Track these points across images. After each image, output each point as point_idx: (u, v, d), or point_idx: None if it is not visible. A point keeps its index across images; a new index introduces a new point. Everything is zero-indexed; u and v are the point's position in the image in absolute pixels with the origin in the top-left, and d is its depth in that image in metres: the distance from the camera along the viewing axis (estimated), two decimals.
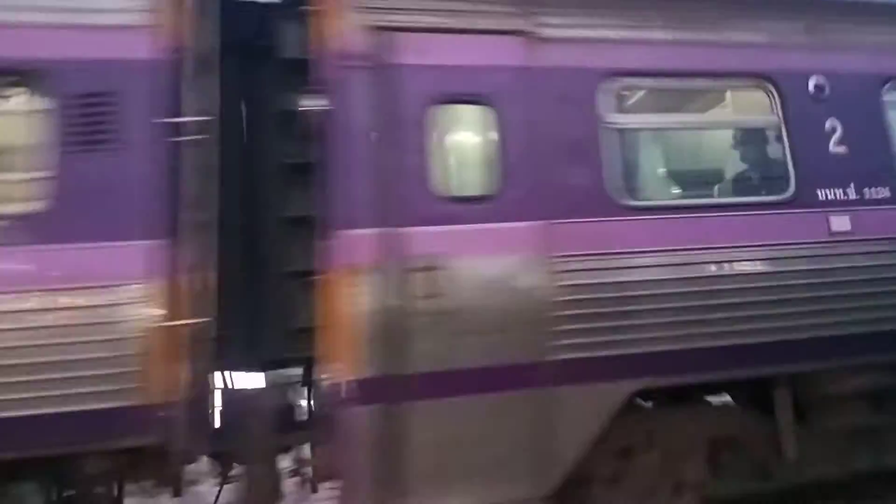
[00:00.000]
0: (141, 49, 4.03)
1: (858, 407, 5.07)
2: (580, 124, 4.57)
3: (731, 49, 4.96)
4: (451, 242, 4.26)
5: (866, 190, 4.95)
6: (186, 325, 3.89)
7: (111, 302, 3.77)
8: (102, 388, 3.74)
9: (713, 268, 4.59)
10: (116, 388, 3.76)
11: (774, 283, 4.66)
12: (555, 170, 4.49)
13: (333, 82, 4.30)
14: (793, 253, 4.72)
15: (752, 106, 5.10)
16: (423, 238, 4.23)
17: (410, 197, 4.26)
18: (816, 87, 5.02)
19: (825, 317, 4.73)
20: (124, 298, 3.79)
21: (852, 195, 4.92)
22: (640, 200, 4.67)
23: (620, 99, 4.79)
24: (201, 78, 4.14)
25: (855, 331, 4.80)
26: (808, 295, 4.70)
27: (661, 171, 5.39)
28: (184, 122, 4.03)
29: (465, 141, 4.51)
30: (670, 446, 4.83)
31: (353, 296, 4.09)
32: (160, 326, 3.82)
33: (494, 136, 4.46)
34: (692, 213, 4.67)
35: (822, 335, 4.74)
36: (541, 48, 4.63)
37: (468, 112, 4.50)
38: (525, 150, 4.47)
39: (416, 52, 4.41)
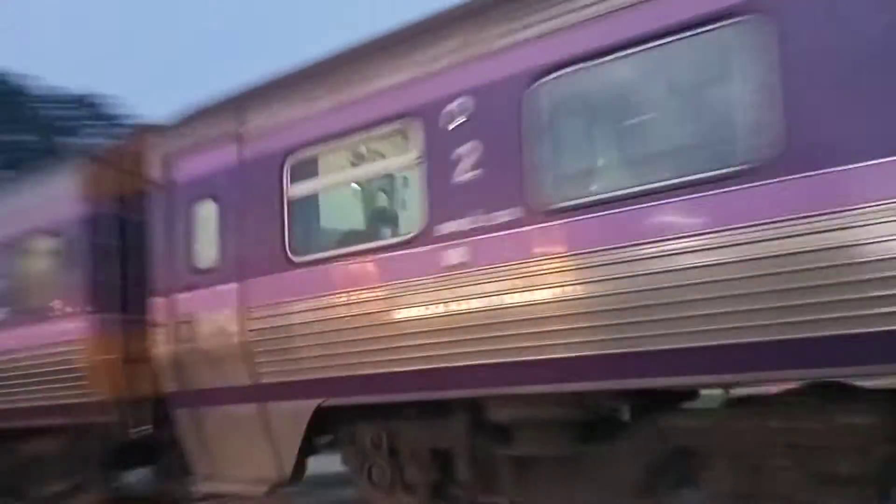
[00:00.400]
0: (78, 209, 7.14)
1: (542, 436, 4.88)
2: (272, 201, 5.79)
3: (379, 96, 5.27)
4: (196, 303, 6.19)
5: (493, 215, 4.70)
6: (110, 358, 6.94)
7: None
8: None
9: (353, 308, 5.30)
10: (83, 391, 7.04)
11: (395, 319, 5.08)
12: (253, 242, 5.89)
13: (148, 198, 6.64)
14: (411, 290, 5.00)
15: (399, 149, 5.29)
16: (184, 301, 6.28)
17: (181, 272, 6.34)
18: (454, 110, 4.91)
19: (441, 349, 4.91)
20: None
21: (478, 223, 4.75)
22: (305, 255, 5.62)
23: (300, 170, 5.72)
24: (109, 220, 7.06)
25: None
26: (421, 330, 4.96)
27: (325, 227, 5.85)
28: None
29: (207, 228, 6.24)
30: (398, 452, 5.66)
31: (155, 340, 6.47)
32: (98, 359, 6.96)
33: (217, 223, 6.12)
34: (336, 261, 5.43)
35: (437, 367, 4.93)
36: (248, 143, 5.99)
37: (206, 207, 6.23)
38: (233, 230, 6.01)
39: (181, 170, 6.39)
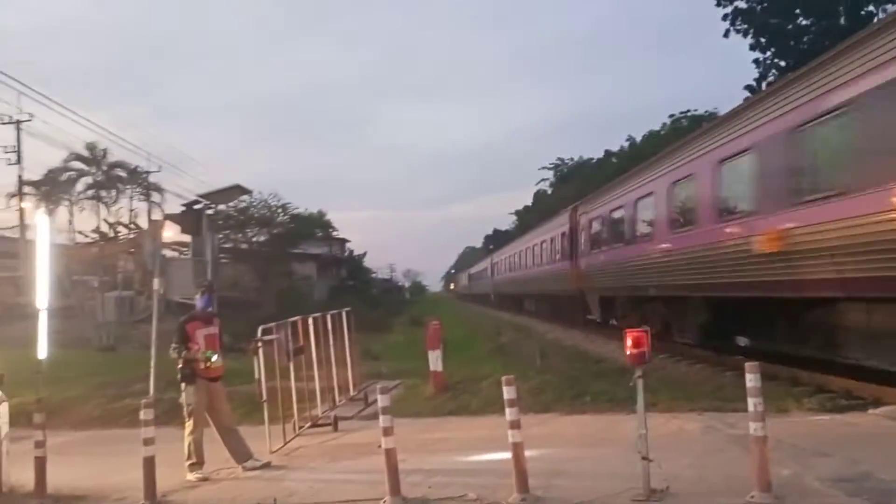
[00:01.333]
0: (564, 227, 19.56)
1: None
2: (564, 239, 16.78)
3: None
4: (580, 265, 17.63)
5: None
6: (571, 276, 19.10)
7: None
8: None
9: None
10: None
11: None
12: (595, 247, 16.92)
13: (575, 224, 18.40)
14: None
15: None
16: (580, 261, 17.82)
17: (578, 252, 18.16)
18: None
19: None
20: None
21: None
22: (585, 259, 16.38)
23: None
24: (570, 231, 19.21)
25: None
26: None
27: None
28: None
29: (579, 239, 17.49)
30: None
31: (577, 273, 18.10)
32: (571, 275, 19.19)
33: (580, 237, 17.33)
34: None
35: None
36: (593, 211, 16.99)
37: (583, 232, 17.51)
38: (588, 243, 17.10)
39: (580, 216, 17.96)
